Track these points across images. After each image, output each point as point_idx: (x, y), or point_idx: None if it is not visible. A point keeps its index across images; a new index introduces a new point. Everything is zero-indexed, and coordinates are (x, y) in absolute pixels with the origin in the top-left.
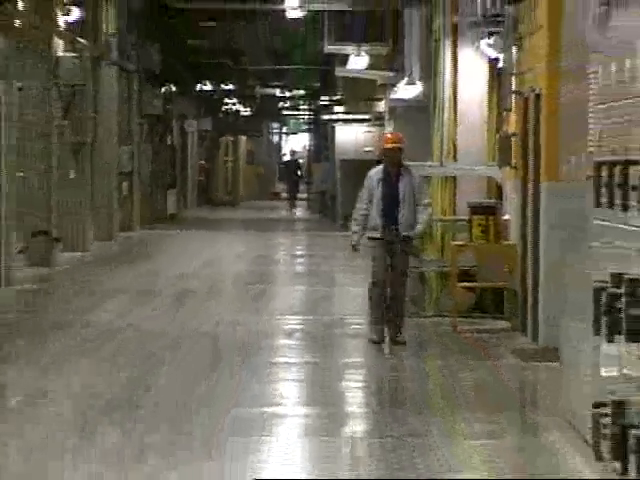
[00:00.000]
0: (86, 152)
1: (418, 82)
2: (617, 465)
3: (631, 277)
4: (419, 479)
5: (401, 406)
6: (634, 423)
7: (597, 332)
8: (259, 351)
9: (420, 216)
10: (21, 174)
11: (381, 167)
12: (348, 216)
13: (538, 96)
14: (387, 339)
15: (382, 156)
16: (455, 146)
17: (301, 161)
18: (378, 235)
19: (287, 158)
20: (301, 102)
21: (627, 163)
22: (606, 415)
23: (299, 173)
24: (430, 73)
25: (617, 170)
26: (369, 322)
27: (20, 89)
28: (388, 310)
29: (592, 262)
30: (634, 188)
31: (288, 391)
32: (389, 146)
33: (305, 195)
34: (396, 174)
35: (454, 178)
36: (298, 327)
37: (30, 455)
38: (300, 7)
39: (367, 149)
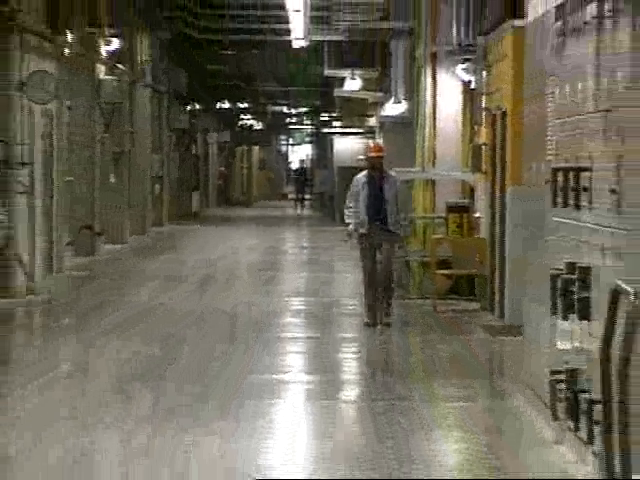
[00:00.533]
0: (124, 160)
1: (403, 101)
2: (571, 423)
3: (582, 265)
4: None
5: (389, 374)
6: (584, 388)
7: (554, 312)
8: (270, 327)
9: (404, 222)
10: (70, 179)
11: (365, 172)
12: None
13: (504, 113)
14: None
15: (367, 162)
16: (434, 154)
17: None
18: (365, 231)
19: (296, 166)
20: (305, 118)
21: (579, 169)
22: (561, 381)
23: (306, 178)
24: (413, 93)
25: (570, 175)
26: (364, 309)
27: (69, 107)
28: (379, 295)
29: (550, 253)
30: (585, 190)
31: (294, 361)
32: (373, 154)
33: (307, 196)
34: (379, 177)
35: (434, 181)
36: (302, 307)
37: (61, 414)
38: (304, 38)
39: (361, 158)
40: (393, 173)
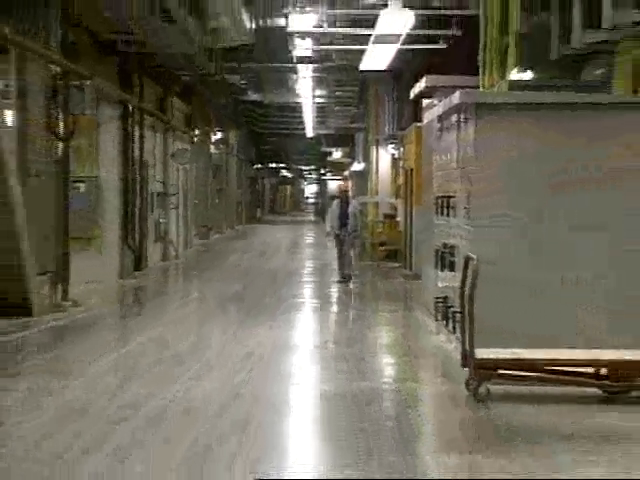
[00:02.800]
0: (223, 193)
1: (362, 162)
2: (444, 323)
3: (451, 244)
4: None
5: (354, 299)
6: (451, 305)
7: (436, 267)
8: (294, 276)
9: (357, 228)
10: (196, 202)
11: (338, 200)
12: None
13: (412, 170)
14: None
15: (339, 193)
16: (377, 189)
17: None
18: (336, 232)
19: (313, 196)
20: (312, 171)
21: (449, 197)
22: (440, 302)
23: (319, 202)
24: (367, 159)
25: (445, 200)
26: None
27: (195, 167)
28: (344, 265)
29: (435, 239)
30: (452, 207)
31: (307, 292)
32: (342, 189)
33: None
34: (346, 203)
35: (377, 203)
36: (311, 266)
37: (192, 316)
38: (312, 131)
39: (337, 191)
40: (353, 201)
